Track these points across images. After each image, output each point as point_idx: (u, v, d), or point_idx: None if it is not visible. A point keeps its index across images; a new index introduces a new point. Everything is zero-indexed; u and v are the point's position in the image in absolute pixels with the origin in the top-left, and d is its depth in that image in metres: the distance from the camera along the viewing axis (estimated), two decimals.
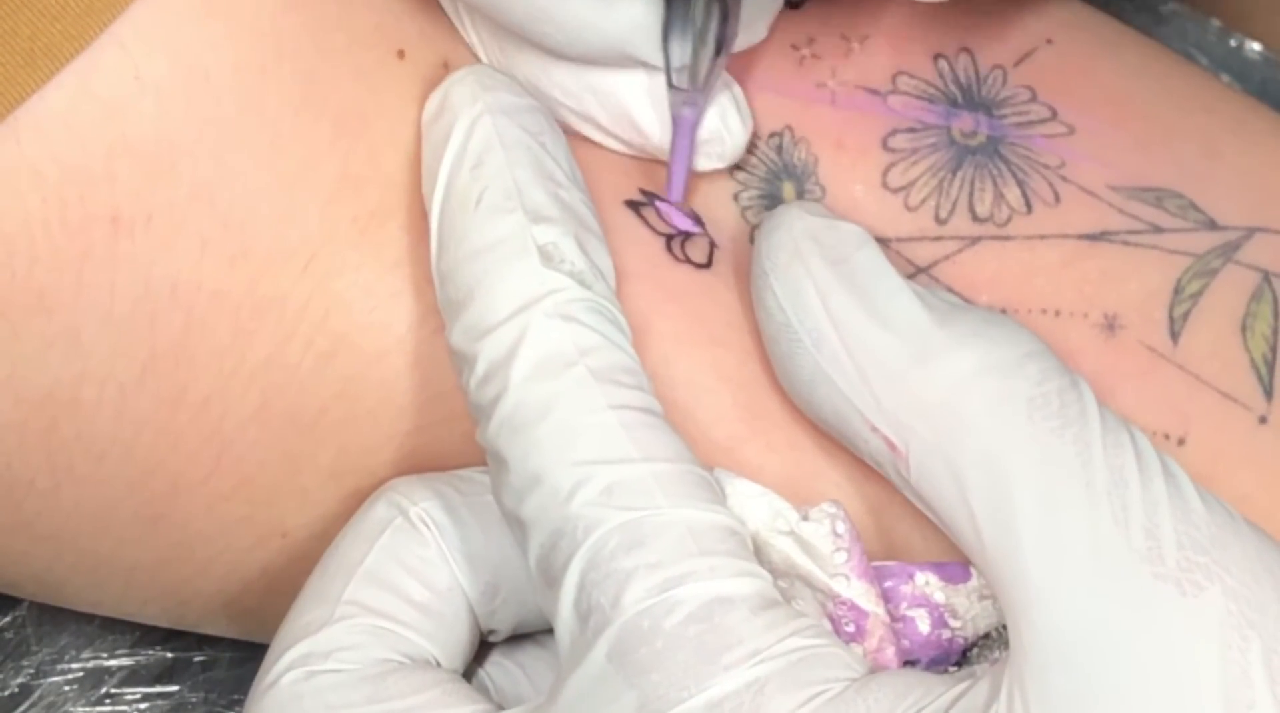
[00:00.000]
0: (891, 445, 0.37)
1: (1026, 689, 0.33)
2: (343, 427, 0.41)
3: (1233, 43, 0.56)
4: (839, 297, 0.37)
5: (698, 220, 0.42)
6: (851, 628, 0.38)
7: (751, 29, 0.41)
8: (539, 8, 0.39)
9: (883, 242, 0.41)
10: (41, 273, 0.38)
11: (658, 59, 0.40)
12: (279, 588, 0.43)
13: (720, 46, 0.40)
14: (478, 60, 0.42)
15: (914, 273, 0.42)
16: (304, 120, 0.40)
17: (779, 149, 0.42)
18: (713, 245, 0.42)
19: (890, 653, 0.38)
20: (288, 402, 0.41)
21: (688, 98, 0.40)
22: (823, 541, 0.38)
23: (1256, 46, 0.56)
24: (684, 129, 0.41)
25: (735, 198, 0.43)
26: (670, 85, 0.40)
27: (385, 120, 0.41)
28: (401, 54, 0.41)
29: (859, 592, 0.38)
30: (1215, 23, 0.56)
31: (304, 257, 0.40)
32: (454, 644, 0.39)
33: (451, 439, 0.41)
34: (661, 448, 0.36)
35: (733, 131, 0.41)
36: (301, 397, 0.41)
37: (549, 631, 0.37)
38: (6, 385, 0.39)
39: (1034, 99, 0.43)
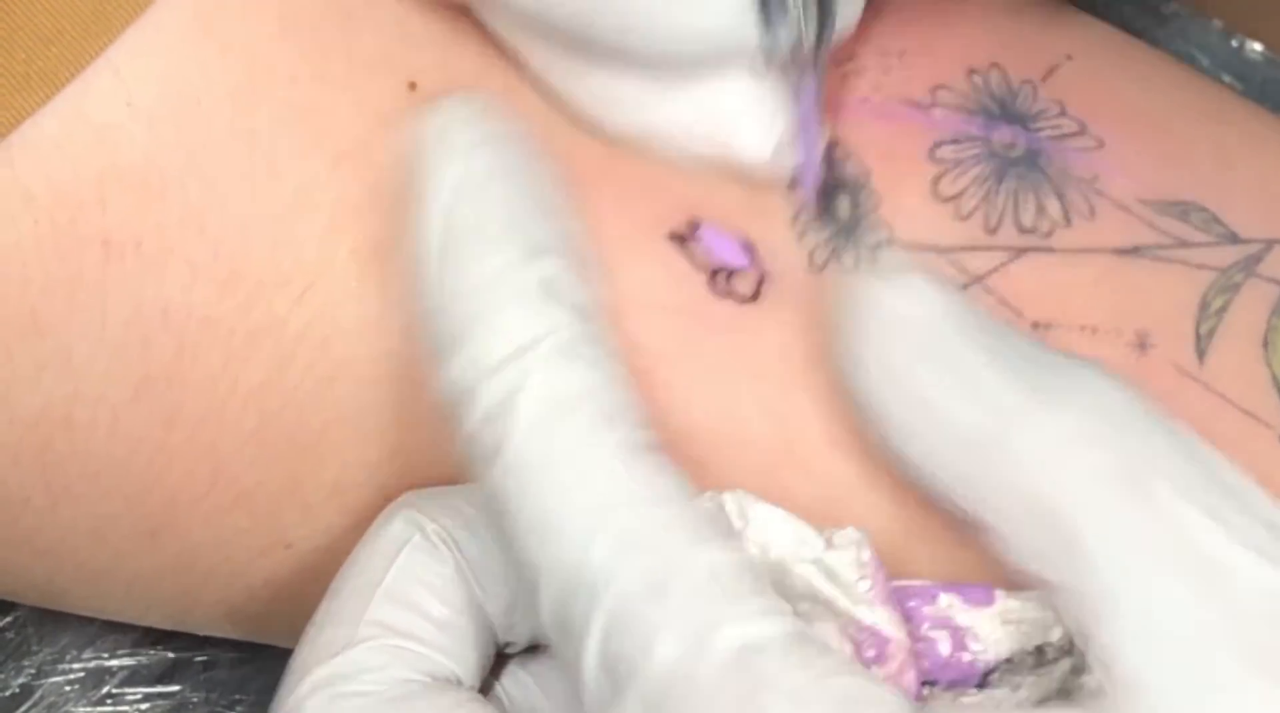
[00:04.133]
0: (985, 523, 0.36)
1: None
2: (346, 446, 0.41)
3: (1234, 43, 0.56)
4: (926, 371, 0.37)
5: (748, 248, 0.41)
6: (872, 653, 0.38)
7: (844, 15, 0.40)
8: (629, 13, 0.38)
9: (938, 251, 0.41)
10: (34, 295, 0.38)
11: (758, 43, 0.39)
12: (284, 596, 0.43)
13: (824, 24, 0.39)
14: (505, 90, 0.41)
15: (968, 283, 0.41)
16: (299, 149, 0.39)
17: (829, 163, 0.42)
18: (762, 279, 0.41)
19: (910, 677, 0.38)
20: (286, 423, 0.40)
21: (796, 78, 0.39)
22: (847, 568, 0.37)
23: (1258, 47, 0.56)
24: (808, 96, 0.39)
25: (795, 219, 0.42)
26: (774, 65, 0.39)
27: (391, 151, 0.40)
28: (413, 85, 0.40)
29: (883, 619, 0.37)
30: (1217, 23, 0.56)
31: (300, 285, 0.39)
32: (474, 660, 0.39)
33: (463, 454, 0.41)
34: (672, 488, 0.35)
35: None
36: (301, 418, 0.40)
37: None
38: (1, 405, 0.39)
39: (1064, 113, 0.43)
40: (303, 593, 0.41)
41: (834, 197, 0.42)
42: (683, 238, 0.41)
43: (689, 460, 0.37)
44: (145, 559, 0.42)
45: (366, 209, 0.40)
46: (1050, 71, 0.44)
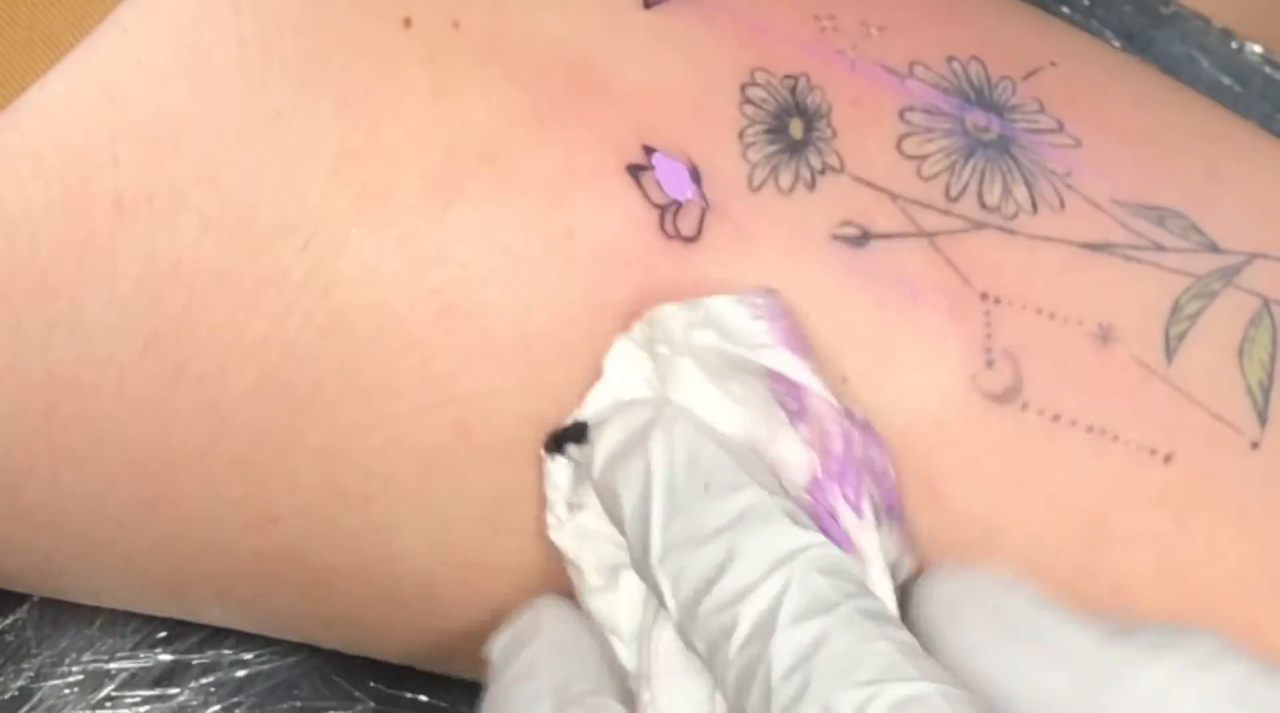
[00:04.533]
0: None
1: None
2: (337, 406, 0.41)
3: (1234, 44, 0.56)
4: (1008, 652, 0.38)
5: (695, 174, 0.41)
6: (794, 405, 0.37)
7: None
8: None
9: (890, 196, 0.41)
10: (44, 258, 0.38)
11: None
12: (270, 576, 0.43)
13: None
14: (491, 12, 0.41)
15: (917, 234, 0.41)
16: (305, 96, 0.39)
17: (793, 90, 0.42)
18: (703, 213, 0.41)
19: (839, 443, 0.38)
20: (284, 377, 0.40)
21: None
22: (733, 314, 0.37)
23: (1258, 49, 0.56)
24: None
25: (740, 135, 0.42)
26: None
27: (387, 93, 0.40)
28: (408, 22, 0.41)
29: (784, 361, 0.37)
30: (1217, 24, 0.56)
31: (304, 233, 0.40)
32: None
33: (443, 425, 0.41)
34: (941, 673, 0.36)
35: None
36: (298, 372, 0.40)
37: None
38: (9, 371, 0.39)
39: (1042, 110, 0.43)
40: (289, 575, 0.41)
41: (789, 117, 0.42)
42: (639, 168, 0.41)
43: None
44: (142, 531, 0.42)
45: (367, 154, 0.40)
46: (1032, 73, 0.43)
